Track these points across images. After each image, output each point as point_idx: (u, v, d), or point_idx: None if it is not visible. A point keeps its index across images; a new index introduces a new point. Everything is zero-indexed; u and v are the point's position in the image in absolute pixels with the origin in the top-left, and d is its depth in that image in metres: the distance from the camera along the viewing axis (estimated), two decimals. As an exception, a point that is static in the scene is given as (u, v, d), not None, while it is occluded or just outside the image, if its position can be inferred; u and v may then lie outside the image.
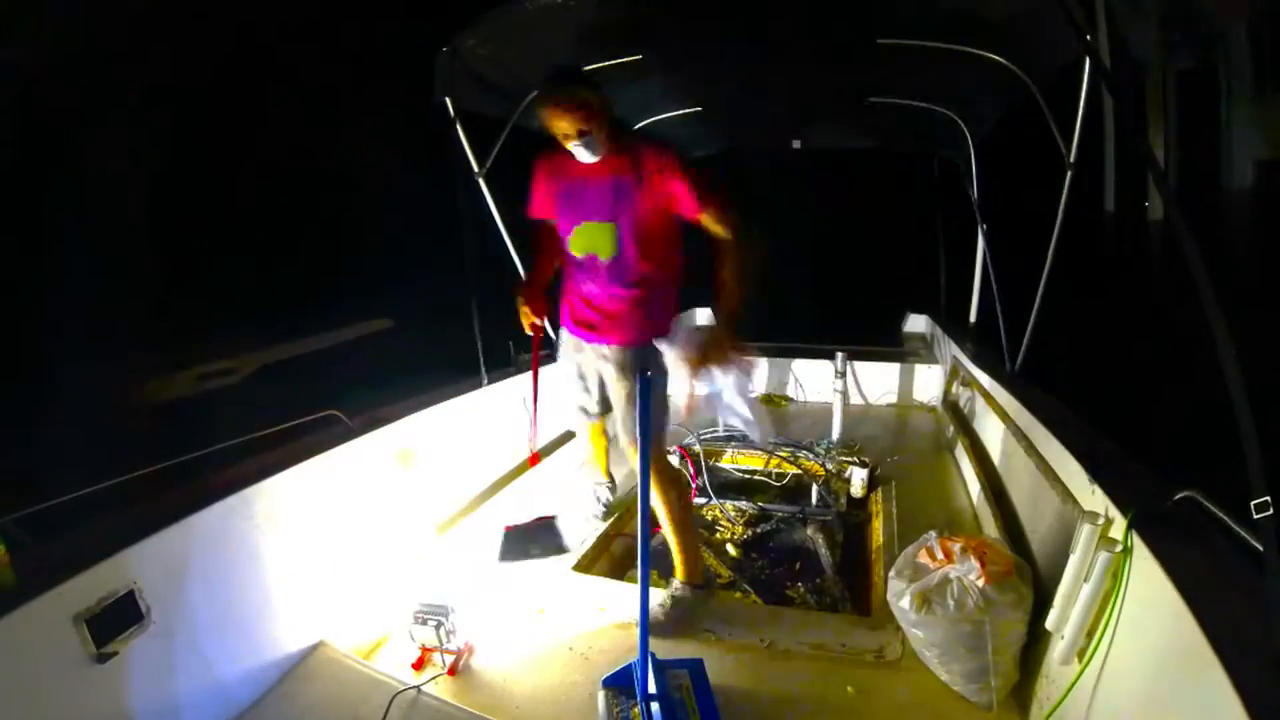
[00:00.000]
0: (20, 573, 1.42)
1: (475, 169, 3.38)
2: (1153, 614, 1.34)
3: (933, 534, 2.06)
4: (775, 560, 2.80)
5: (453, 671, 2.06)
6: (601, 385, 2.53)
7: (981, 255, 4.48)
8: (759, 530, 3.07)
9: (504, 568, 2.67)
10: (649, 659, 1.66)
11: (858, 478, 3.30)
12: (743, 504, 3.28)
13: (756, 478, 3.57)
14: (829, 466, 3.42)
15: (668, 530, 2.36)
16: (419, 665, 2.12)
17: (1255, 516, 1.12)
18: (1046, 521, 2.28)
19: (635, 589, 1.80)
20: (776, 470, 3.53)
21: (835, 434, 3.73)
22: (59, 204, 7.62)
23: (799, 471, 3.51)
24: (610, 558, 2.93)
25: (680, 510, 2.35)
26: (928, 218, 6.05)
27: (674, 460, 3.50)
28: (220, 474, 2.00)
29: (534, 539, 2.78)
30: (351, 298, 9.87)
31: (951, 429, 3.93)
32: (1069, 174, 2.78)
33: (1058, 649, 1.63)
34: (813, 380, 5.02)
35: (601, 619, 2.28)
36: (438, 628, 2.10)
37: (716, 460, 3.63)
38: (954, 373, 4.44)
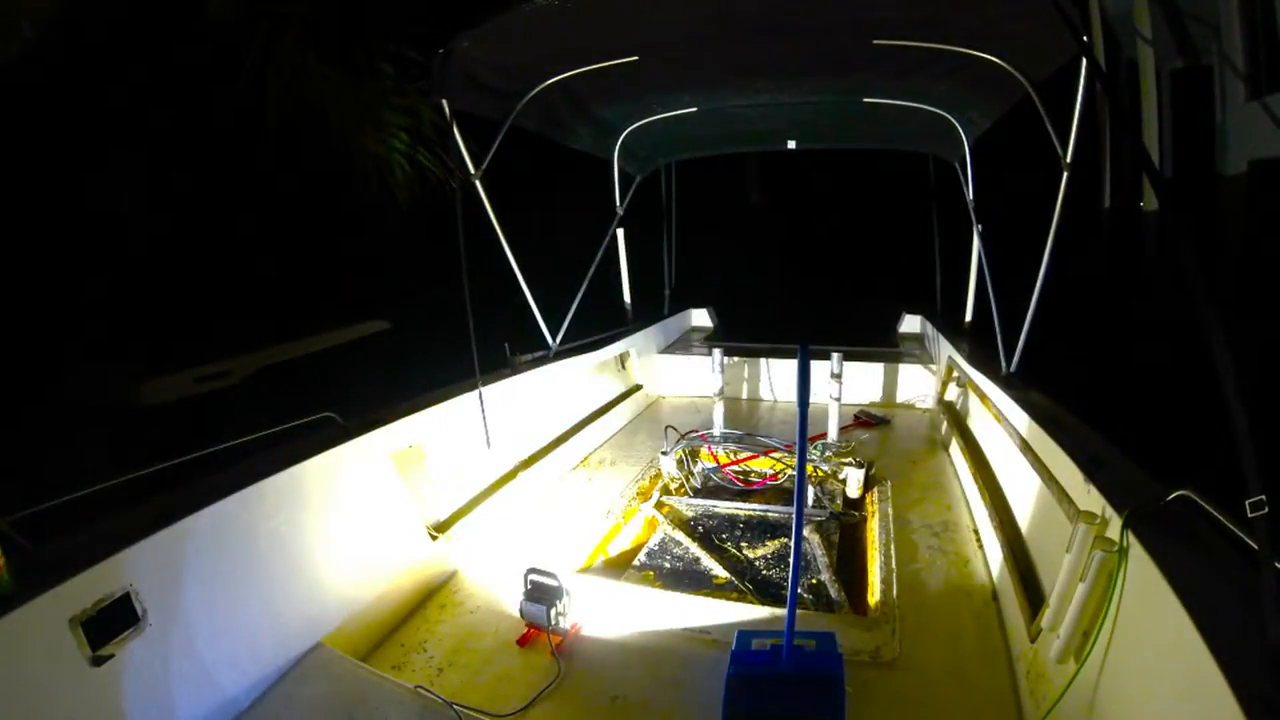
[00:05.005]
0: (16, 575, 1.42)
1: (471, 170, 3.38)
2: (1148, 613, 1.35)
3: None
4: (771, 560, 2.80)
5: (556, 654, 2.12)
6: None
7: (977, 256, 4.48)
8: (755, 530, 3.07)
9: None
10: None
11: (853, 478, 3.31)
12: (739, 504, 3.28)
13: (752, 478, 3.58)
14: (825, 467, 3.42)
15: None
16: (524, 642, 2.19)
17: (1249, 515, 1.12)
18: (1042, 521, 2.29)
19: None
20: (772, 470, 3.53)
21: (832, 435, 3.73)
22: (59, 206, 7.61)
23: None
24: (606, 556, 2.93)
25: None
26: (923, 219, 6.07)
27: (671, 460, 3.51)
28: (216, 476, 2.00)
29: None
30: (348, 300, 9.86)
31: (947, 429, 3.94)
32: (1065, 174, 2.78)
33: (1054, 648, 1.64)
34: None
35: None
36: (549, 609, 2.16)
37: (714, 461, 3.63)
38: (949, 373, 4.45)
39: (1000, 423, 2.94)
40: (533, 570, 2.29)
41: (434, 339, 4.28)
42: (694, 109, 4.23)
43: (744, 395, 5.42)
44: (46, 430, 5.67)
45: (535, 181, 9.60)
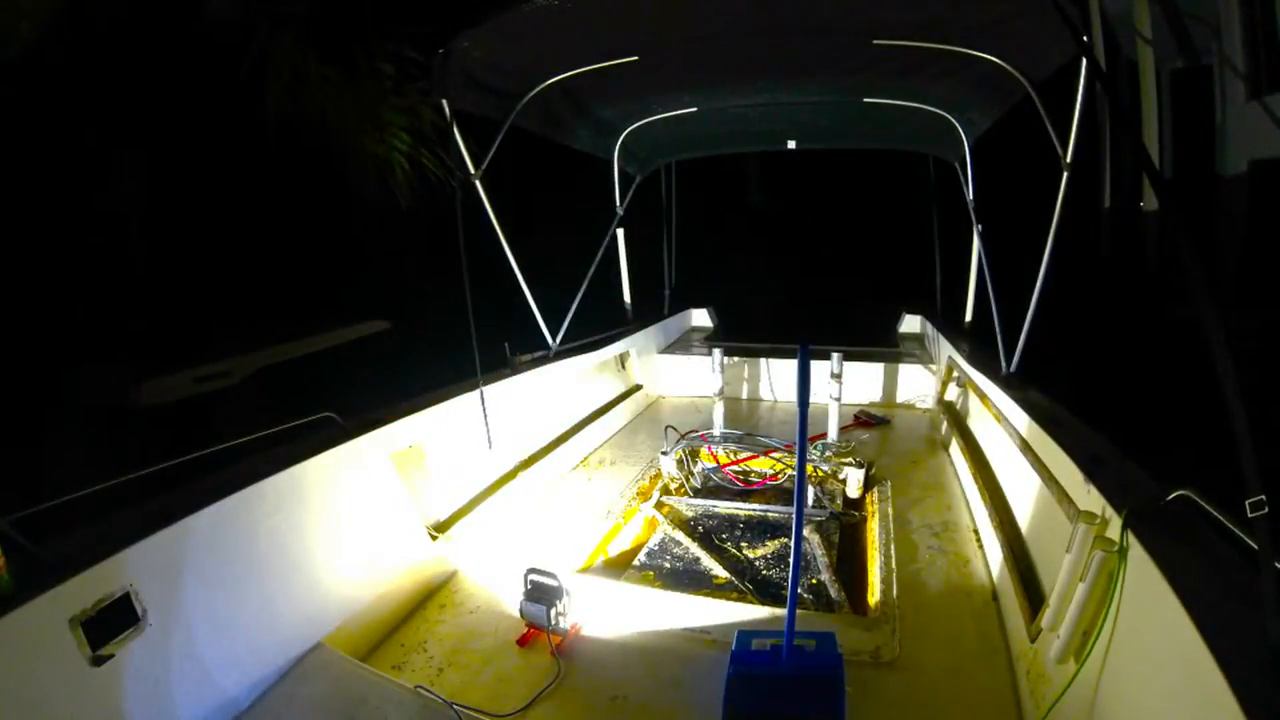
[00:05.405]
0: (16, 575, 1.42)
1: (471, 170, 3.38)
2: (1148, 613, 1.35)
3: None
4: (771, 560, 2.80)
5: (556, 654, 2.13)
6: None
7: (977, 256, 4.49)
8: (755, 531, 3.08)
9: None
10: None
11: (853, 478, 3.31)
12: (739, 504, 3.28)
13: (752, 478, 3.58)
14: (825, 467, 3.42)
15: None
16: (524, 642, 2.20)
17: (1249, 515, 1.12)
18: (1042, 521, 2.29)
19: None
20: (772, 470, 3.53)
21: (832, 435, 3.73)
22: (60, 206, 7.61)
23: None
24: (606, 556, 2.93)
25: None
26: (923, 219, 6.07)
27: (671, 460, 3.51)
28: (216, 476, 2.00)
29: None
30: (349, 300, 9.87)
31: (947, 429, 3.94)
32: (1065, 174, 2.79)
33: (1054, 648, 1.64)
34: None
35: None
36: (549, 609, 2.16)
37: (714, 461, 3.63)
38: (949, 373, 4.45)
39: (1000, 423, 2.94)
40: (533, 570, 2.29)
41: (434, 339, 4.28)
42: (694, 109, 4.23)
43: (744, 395, 5.42)
44: (46, 430, 5.67)
45: (535, 181, 9.61)
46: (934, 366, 4.93)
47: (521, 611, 2.24)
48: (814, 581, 2.62)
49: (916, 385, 5.00)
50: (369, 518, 2.43)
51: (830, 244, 16.41)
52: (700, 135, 4.98)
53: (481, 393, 3.03)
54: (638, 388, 5.07)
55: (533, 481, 3.38)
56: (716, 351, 4.06)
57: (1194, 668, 1.08)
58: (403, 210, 11.38)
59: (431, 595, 2.54)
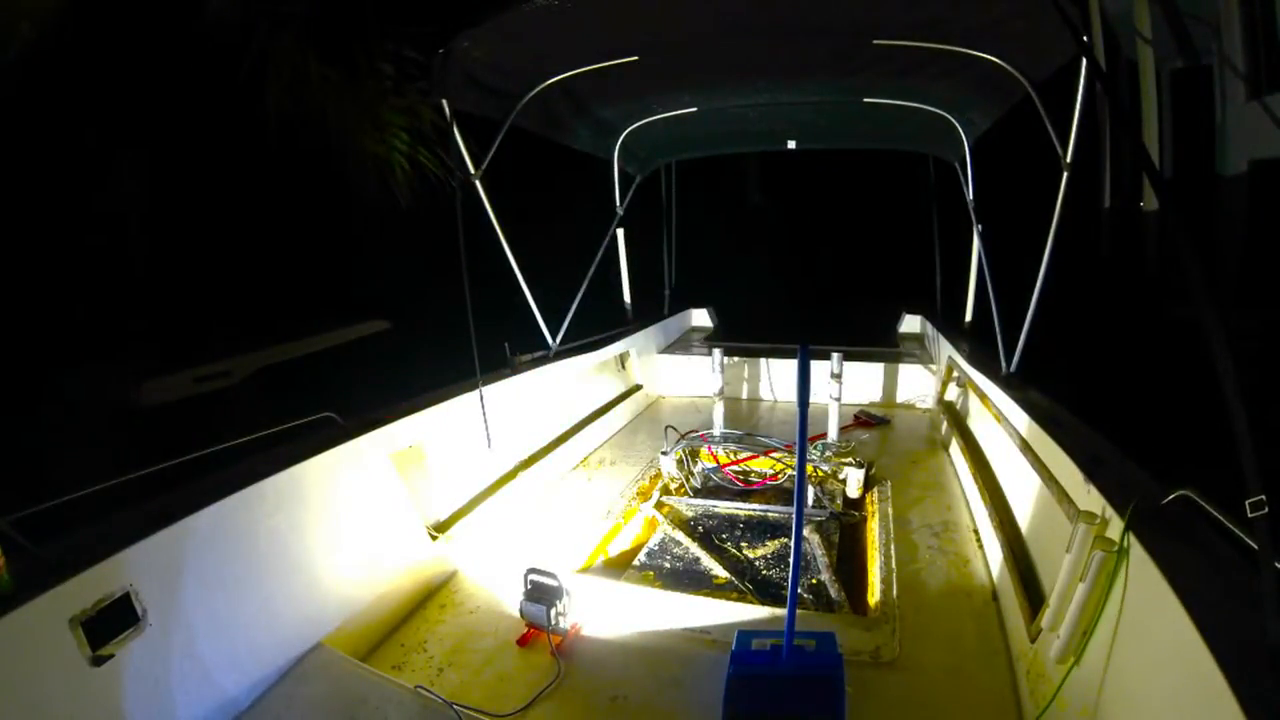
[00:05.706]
0: (16, 575, 1.42)
1: (471, 170, 3.38)
2: (1148, 613, 1.35)
3: None
4: (771, 560, 2.80)
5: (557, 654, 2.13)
6: None
7: (977, 256, 4.49)
8: (755, 531, 3.08)
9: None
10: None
11: (853, 478, 3.31)
12: (739, 504, 3.28)
13: (752, 478, 3.58)
14: (825, 467, 3.42)
15: None
16: (524, 642, 2.20)
17: (1249, 515, 1.12)
18: (1042, 521, 2.29)
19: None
20: (772, 470, 3.53)
21: (832, 435, 3.73)
22: (61, 206, 7.60)
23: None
24: (606, 556, 2.93)
25: None
26: (923, 219, 6.07)
27: (671, 460, 3.51)
28: (216, 476, 2.00)
29: None
30: (349, 300, 9.86)
31: (947, 429, 3.94)
32: (1065, 174, 2.79)
33: (1054, 648, 1.64)
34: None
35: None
36: (549, 609, 2.16)
37: (714, 461, 3.63)
38: (949, 373, 4.45)
39: (1000, 423, 2.94)
40: (533, 570, 2.29)
41: (434, 339, 4.28)
42: (694, 109, 4.23)
43: (744, 395, 5.42)
44: (46, 430, 5.67)
45: (535, 181, 9.60)
46: (934, 366, 4.93)
47: (521, 611, 2.24)
48: (814, 581, 2.62)
49: (916, 385, 5.00)
50: (369, 518, 2.43)
51: (830, 244, 16.39)
52: (700, 135, 4.98)
53: (481, 393, 3.03)
54: (638, 388, 5.07)
55: (533, 481, 3.38)
56: (716, 351, 4.06)
57: (1194, 668, 1.08)
58: (403, 210, 11.38)
59: (431, 595, 2.54)
